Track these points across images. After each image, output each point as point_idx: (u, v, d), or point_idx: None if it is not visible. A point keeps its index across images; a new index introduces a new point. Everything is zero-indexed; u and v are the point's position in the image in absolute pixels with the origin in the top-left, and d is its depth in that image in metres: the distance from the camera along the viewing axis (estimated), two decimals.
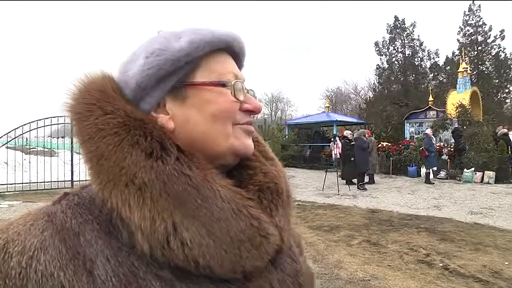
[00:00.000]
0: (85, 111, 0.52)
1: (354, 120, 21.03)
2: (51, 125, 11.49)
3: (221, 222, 0.50)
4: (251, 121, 0.61)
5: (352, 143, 11.26)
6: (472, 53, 24.95)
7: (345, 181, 11.16)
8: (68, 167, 11.37)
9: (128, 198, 0.48)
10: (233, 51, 0.61)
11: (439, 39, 50.65)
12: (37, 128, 11.12)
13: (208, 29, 0.57)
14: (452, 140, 14.04)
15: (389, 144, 15.34)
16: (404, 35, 25.82)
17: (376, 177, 12.36)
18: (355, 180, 10.93)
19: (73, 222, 0.49)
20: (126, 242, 0.48)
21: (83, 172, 10.77)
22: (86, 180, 0.59)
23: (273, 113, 48.93)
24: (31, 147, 15.38)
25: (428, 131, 12.47)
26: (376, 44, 26.40)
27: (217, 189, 0.51)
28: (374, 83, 28.31)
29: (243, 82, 0.60)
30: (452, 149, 13.69)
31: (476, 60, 24.94)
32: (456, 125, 13.86)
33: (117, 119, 0.51)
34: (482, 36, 25.27)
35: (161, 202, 0.48)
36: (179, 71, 0.55)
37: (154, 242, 0.47)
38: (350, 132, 12.70)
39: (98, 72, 0.57)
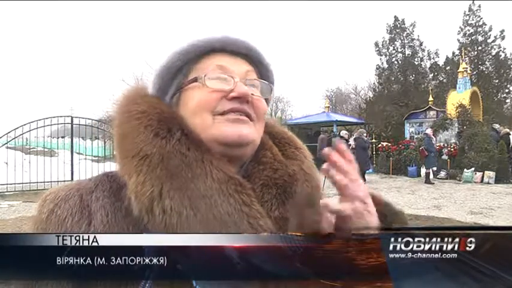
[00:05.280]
0: (124, 103, 0.65)
1: (354, 120, 21.01)
2: (51, 125, 11.50)
3: (206, 199, 0.54)
4: (238, 108, 0.61)
5: (349, 142, 11.21)
6: (472, 53, 24.92)
7: None
8: (68, 167, 11.37)
9: (131, 166, 0.57)
10: (228, 50, 0.66)
11: (439, 39, 50.40)
12: (37, 128, 11.10)
13: (193, 40, 0.65)
14: (453, 140, 14.05)
15: (389, 144, 15.33)
16: (404, 35, 25.76)
17: (376, 177, 12.35)
18: None
19: (92, 183, 0.63)
20: (126, 206, 0.57)
21: (83, 172, 10.79)
22: None
23: (273, 113, 49.00)
24: (31, 147, 15.36)
25: (429, 131, 12.46)
26: (376, 44, 26.35)
27: (209, 170, 0.57)
28: (374, 83, 28.28)
29: (230, 73, 0.63)
30: (453, 149, 13.69)
31: (476, 60, 24.91)
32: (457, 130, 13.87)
33: (141, 107, 0.62)
34: (482, 36, 25.24)
35: (156, 171, 0.55)
36: (174, 78, 0.66)
37: (142, 205, 0.54)
38: (346, 132, 12.66)
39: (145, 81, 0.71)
